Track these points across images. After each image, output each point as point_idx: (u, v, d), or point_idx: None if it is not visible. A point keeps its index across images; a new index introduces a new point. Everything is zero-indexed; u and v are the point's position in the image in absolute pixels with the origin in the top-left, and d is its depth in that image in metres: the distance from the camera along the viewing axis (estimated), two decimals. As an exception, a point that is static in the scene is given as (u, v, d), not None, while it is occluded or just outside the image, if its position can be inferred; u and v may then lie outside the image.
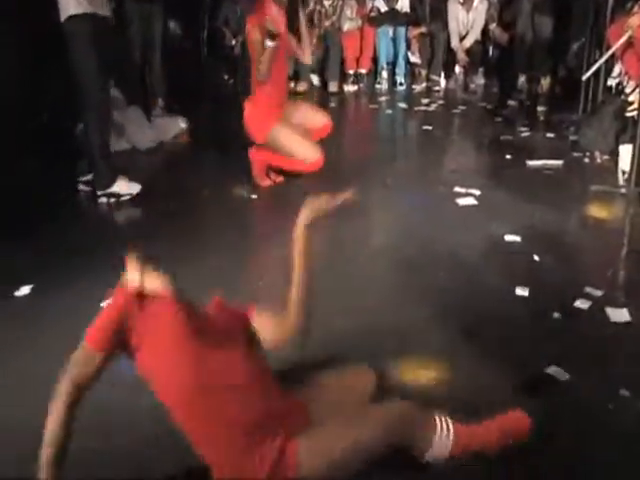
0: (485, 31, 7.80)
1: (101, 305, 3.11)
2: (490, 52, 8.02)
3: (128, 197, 4.70)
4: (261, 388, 2.08)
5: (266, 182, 5.02)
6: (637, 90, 4.78)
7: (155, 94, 6.65)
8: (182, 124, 6.34)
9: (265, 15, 4.76)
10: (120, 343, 1.99)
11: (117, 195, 4.70)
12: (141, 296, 2.01)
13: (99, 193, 4.71)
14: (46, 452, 1.91)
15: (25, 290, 3.48)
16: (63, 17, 4.40)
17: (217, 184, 5.05)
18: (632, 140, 4.54)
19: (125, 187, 4.72)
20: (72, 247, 4.00)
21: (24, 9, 5.17)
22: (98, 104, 4.56)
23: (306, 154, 4.84)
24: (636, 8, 5.16)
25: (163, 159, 5.82)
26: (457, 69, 8.00)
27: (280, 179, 5.04)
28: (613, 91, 5.70)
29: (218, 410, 2.01)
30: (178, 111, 6.55)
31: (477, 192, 4.67)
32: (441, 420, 2.12)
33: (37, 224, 4.24)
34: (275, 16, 4.81)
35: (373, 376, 2.39)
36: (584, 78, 5.89)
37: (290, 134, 4.87)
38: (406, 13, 8.01)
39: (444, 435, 2.09)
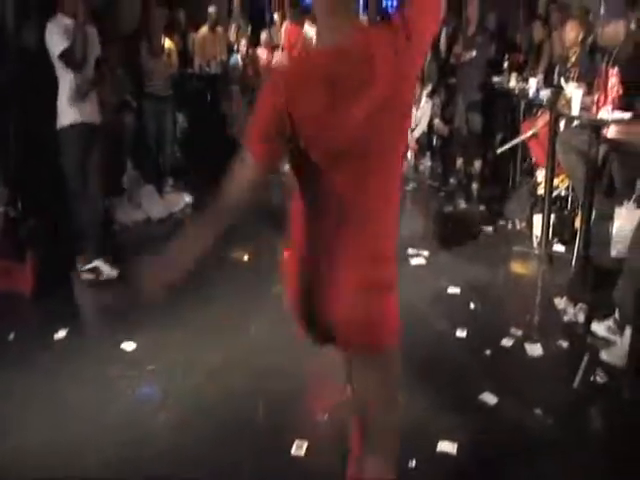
0: (430, 124, 8.07)
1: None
2: (434, 141, 8.26)
3: (105, 277, 4.31)
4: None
5: None
6: (543, 173, 4.99)
7: (166, 174, 6.75)
8: (187, 199, 6.44)
9: None
10: None
11: (98, 272, 4.33)
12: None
13: (81, 268, 4.33)
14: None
15: (62, 333, 3.57)
16: (58, 125, 4.22)
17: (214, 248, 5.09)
18: (541, 211, 4.74)
19: (106, 268, 4.34)
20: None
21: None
22: (79, 196, 4.31)
23: None
24: (539, 113, 5.58)
25: (171, 227, 5.91)
26: (409, 153, 8.18)
27: None
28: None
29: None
30: (184, 188, 6.65)
31: (426, 253, 4.74)
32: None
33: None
34: None
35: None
36: (498, 152, 6.22)
37: None
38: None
39: None
